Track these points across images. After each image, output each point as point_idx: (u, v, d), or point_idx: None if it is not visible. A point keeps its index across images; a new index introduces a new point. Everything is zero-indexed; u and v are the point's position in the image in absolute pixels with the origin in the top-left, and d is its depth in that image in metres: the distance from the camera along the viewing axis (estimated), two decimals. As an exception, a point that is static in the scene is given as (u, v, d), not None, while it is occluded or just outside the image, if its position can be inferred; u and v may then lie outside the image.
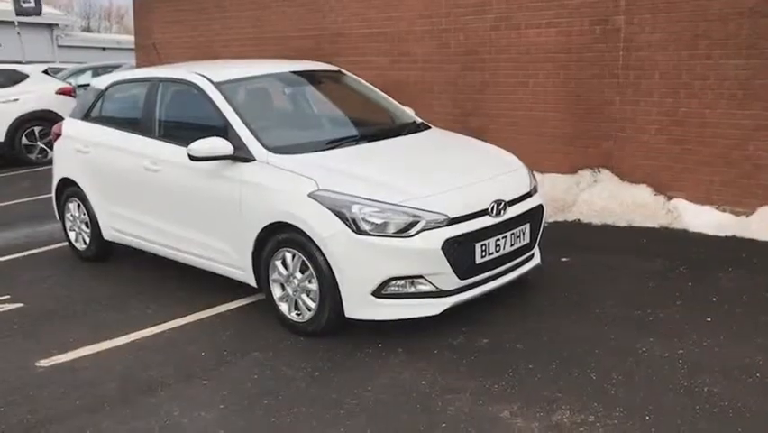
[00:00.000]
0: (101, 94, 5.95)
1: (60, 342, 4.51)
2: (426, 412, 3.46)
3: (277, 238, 4.39)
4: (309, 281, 4.29)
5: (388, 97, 5.78)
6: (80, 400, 3.78)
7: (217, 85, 4.97)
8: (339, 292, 4.14)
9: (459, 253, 4.10)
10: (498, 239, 4.31)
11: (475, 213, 4.22)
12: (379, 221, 4.05)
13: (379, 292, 4.09)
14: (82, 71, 18.19)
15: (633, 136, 6.89)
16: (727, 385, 3.54)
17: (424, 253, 4.03)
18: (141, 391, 3.85)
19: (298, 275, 4.34)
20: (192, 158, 4.59)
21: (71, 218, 6.17)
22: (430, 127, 5.44)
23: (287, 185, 4.34)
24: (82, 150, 5.85)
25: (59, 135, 6.21)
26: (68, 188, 6.09)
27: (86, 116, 6.01)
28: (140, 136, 5.37)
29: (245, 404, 3.64)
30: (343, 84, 5.82)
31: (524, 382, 3.70)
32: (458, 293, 4.20)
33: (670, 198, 6.64)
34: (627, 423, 3.27)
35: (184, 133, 5.06)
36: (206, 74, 5.10)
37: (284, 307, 4.48)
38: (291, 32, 9.66)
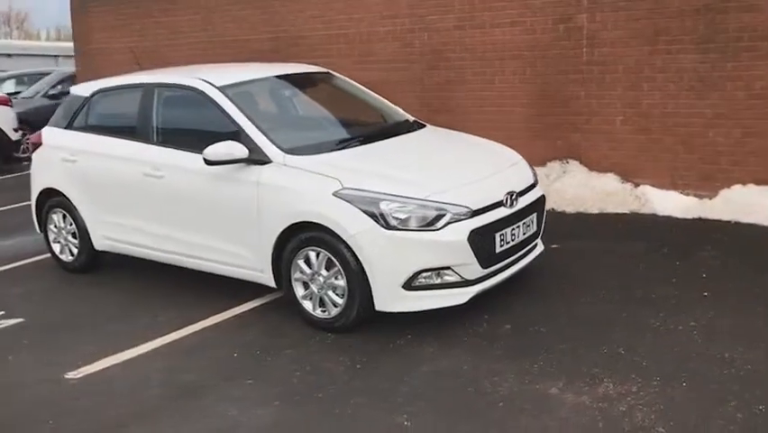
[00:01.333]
0: (85, 102, 5.82)
1: (80, 354, 4.42)
2: (480, 394, 3.63)
3: (299, 237, 4.46)
4: (336, 278, 4.38)
5: (380, 96, 5.91)
6: (128, 407, 3.76)
7: (221, 89, 4.99)
8: (369, 287, 4.26)
9: (482, 243, 4.29)
10: (513, 229, 4.53)
11: (492, 204, 4.42)
12: (406, 216, 4.19)
13: (409, 285, 4.23)
14: (2, 80, 17.36)
15: (598, 128, 7.27)
16: (744, 351, 3.87)
17: (452, 245, 4.21)
18: (187, 395, 3.86)
19: (324, 272, 4.42)
20: (208, 162, 4.60)
21: (55, 230, 6.00)
22: (425, 125, 5.61)
23: (309, 185, 4.42)
24: (69, 159, 5.71)
25: (38, 145, 6.04)
26: (52, 199, 5.92)
27: (70, 125, 5.86)
28: (137, 143, 5.31)
29: (299, 400, 3.71)
30: (335, 85, 5.91)
31: (560, 360, 3.92)
32: (481, 282, 4.39)
33: (637, 185, 7.05)
34: (667, 390, 3.54)
35: (188, 139, 5.07)
36: (207, 78, 5.10)
37: (308, 304, 4.55)
38: (248, 36, 9.62)
